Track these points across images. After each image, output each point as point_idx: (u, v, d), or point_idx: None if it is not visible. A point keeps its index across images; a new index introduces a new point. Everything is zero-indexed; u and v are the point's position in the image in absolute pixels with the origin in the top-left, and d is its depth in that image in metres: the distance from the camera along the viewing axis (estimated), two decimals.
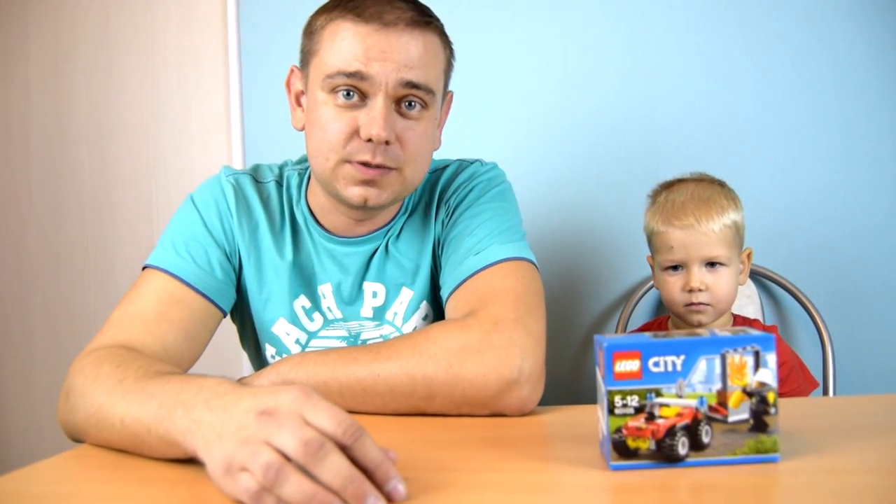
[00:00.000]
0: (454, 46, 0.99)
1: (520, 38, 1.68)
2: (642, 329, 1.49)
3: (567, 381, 1.67)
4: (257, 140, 1.81)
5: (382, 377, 0.80)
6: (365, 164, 0.90)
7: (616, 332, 1.58)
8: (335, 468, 0.51)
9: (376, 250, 1.03)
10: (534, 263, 0.95)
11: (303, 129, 0.98)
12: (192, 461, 0.60)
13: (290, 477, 0.50)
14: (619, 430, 0.58)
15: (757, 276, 1.57)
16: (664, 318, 1.43)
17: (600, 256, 1.66)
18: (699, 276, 1.24)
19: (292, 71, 1.00)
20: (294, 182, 1.05)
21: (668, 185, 1.32)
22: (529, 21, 1.68)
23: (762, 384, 0.58)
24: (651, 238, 1.31)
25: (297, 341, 1.03)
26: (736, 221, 1.25)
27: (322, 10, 0.94)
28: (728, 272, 1.25)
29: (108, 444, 0.71)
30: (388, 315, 1.03)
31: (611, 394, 0.58)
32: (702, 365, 0.57)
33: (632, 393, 0.58)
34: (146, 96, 1.90)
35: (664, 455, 0.58)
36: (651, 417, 0.57)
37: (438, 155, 1.05)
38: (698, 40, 1.62)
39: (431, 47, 0.92)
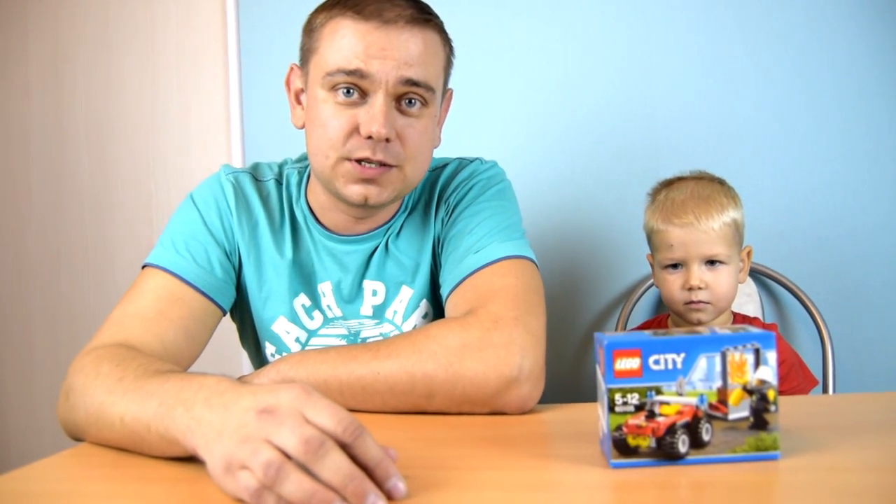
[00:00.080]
0: (454, 44, 0.99)
1: (520, 37, 1.68)
2: (642, 327, 1.49)
3: (567, 379, 1.67)
4: (257, 139, 1.81)
5: (382, 375, 0.80)
6: (365, 161, 0.90)
7: (616, 330, 1.58)
8: (335, 466, 0.51)
9: (376, 248, 1.03)
10: (534, 261, 0.95)
11: (302, 127, 0.98)
12: (192, 459, 0.60)
13: (290, 475, 0.50)
14: (619, 427, 0.58)
15: (757, 275, 1.57)
16: (664, 316, 1.43)
17: (600, 255, 1.66)
18: (699, 274, 1.24)
19: (292, 69, 1.00)
20: (294, 180, 1.05)
21: (668, 184, 1.32)
22: (529, 20, 1.68)
23: (762, 382, 0.58)
24: (651, 236, 1.31)
25: (297, 339, 1.03)
26: (735, 220, 1.25)
27: (322, 8, 0.94)
28: (728, 270, 1.25)
29: (107, 443, 0.71)
30: (388, 313, 1.03)
31: (611, 392, 0.58)
32: (702, 363, 0.57)
33: (632, 391, 0.58)
34: (146, 96, 1.90)
35: (664, 453, 0.58)
36: (651, 415, 0.57)
37: (438, 153, 1.05)
38: (698, 39, 1.62)
39: (431, 45, 0.92)
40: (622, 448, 0.58)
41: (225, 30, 1.82)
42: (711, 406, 0.58)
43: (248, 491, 0.51)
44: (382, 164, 0.91)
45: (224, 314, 1.00)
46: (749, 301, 1.52)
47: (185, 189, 1.10)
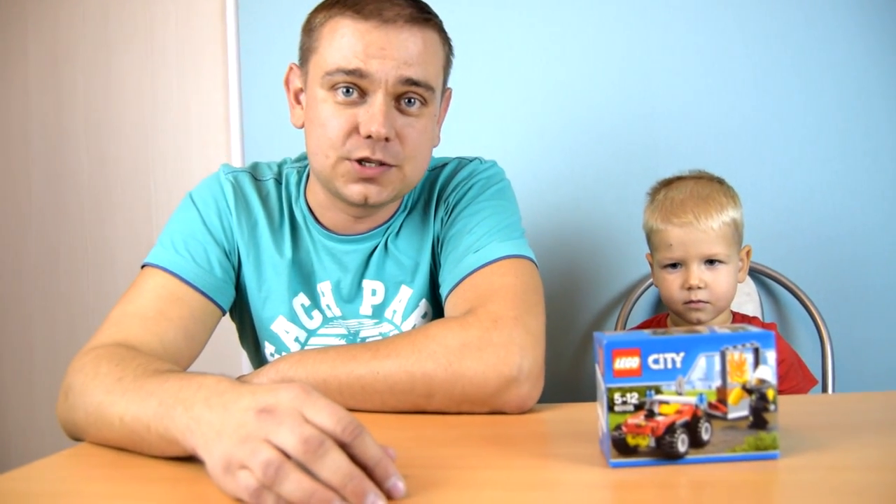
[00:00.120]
0: (453, 43, 0.99)
1: (519, 36, 1.68)
2: (641, 326, 1.49)
3: (567, 379, 1.67)
4: (256, 138, 1.81)
5: (382, 375, 0.80)
6: (365, 161, 0.90)
7: (615, 329, 1.58)
8: (335, 466, 0.51)
9: (375, 248, 1.03)
10: (533, 261, 0.95)
11: (302, 126, 0.98)
12: (191, 459, 0.60)
13: (289, 474, 0.50)
14: (618, 427, 0.58)
15: (756, 274, 1.57)
16: (663, 315, 1.43)
17: (599, 254, 1.66)
18: (698, 273, 1.24)
19: (291, 68, 1.00)
20: (293, 180, 1.05)
21: (668, 183, 1.32)
22: (528, 19, 1.68)
23: (762, 381, 0.58)
24: (650, 236, 1.31)
25: (297, 339, 1.03)
26: (735, 219, 1.25)
27: (321, 7, 0.93)
28: (727, 270, 1.25)
29: (107, 443, 0.71)
30: (388, 313, 1.03)
31: (610, 391, 0.58)
32: (701, 362, 0.57)
33: (631, 390, 0.58)
34: (145, 95, 1.90)
35: (664, 452, 0.58)
36: (651, 414, 0.57)
37: (438, 152, 1.05)
38: (698, 39, 1.62)
39: (431, 44, 0.92)
40: (621, 447, 0.58)
41: (224, 29, 1.82)
42: (711, 405, 0.58)
43: (248, 490, 0.51)
44: (382, 164, 0.91)
45: (223, 314, 1.00)
46: (748, 300, 1.52)
47: (185, 189, 1.10)
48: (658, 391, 0.57)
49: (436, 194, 1.04)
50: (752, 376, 0.58)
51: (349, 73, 0.88)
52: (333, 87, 0.90)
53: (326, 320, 1.03)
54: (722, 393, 0.58)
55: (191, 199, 1.02)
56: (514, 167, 1.22)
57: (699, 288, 1.24)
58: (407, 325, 1.03)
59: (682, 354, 0.57)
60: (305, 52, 0.95)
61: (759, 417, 0.58)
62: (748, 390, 0.58)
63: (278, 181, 1.06)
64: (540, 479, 0.58)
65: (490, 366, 0.79)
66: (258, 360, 1.10)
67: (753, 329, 0.59)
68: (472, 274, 0.92)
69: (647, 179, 1.38)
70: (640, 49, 1.64)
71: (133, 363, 0.73)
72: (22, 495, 0.60)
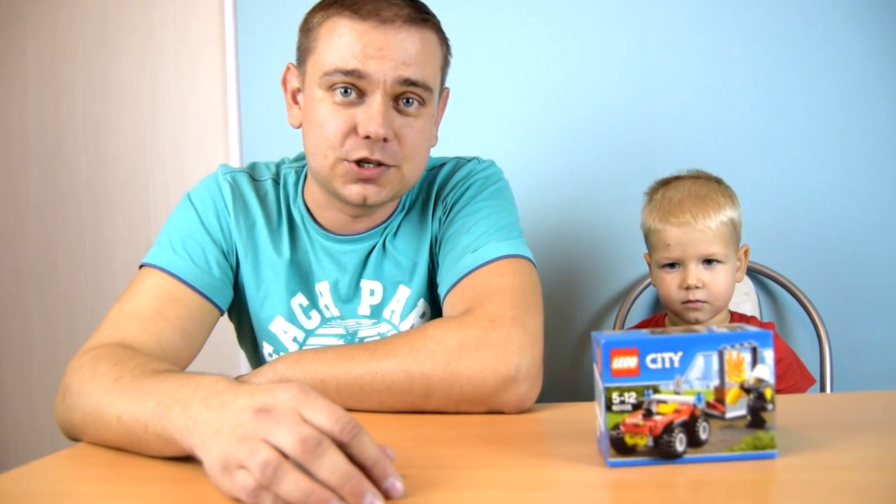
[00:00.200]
0: (451, 43, 0.99)
1: (517, 36, 1.68)
2: (639, 326, 1.49)
3: (565, 378, 1.67)
4: (255, 138, 1.80)
5: (380, 375, 0.80)
6: (364, 162, 0.90)
7: (613, 329, 1.58)
8: (332, 465, 0.51)
9: (374, 248, 1.03)
10: (531, 261, 0.95)
11: (299, 126, 0.98)
12: (189, 459, 0.60)
13: (287, 474, 0.50)
14: (616, 426, 0.58)
15: (754, 274, 1.57)
16: (661, 315, 1.43)
17: (598, 254, 1.66)
18: (696, 273, 1.24)
19: (288, 68, 1.00)
20: (291, 180, 1.05)
21: (665, 183, 1.32)
22: (527, 19, 1.68)
23: (759, 381, 0.58)
24: (648, 235, 1.32)
25: (295, 339, 1.03)
26: (733, 219, 1.25)
27: (319, 7, 0.93)
28: (725, 269, 1.25)
29: (105, 443, 0.71)
30: (386, 313, 1.03)
31: (608, 390, 0.58)
32: (699, 361, 0.57)
33: (629, 389, 0.58)
34: (144, 96, 1.90)
35: (662, 452, 0.58)
36: (649, 414, 0.57)
37: (435, 152, 1.05)
38: (697, 38, 1.62)
39: (429, 44, 0.92)
40: (619, 447, 0.58)
41: (222, 29, 1.82)
42: (709, 405, 0.58)
43: (246, 490, 0.51)
44: (380, 164, 0.91)
45: (221, 314, 1.00)
46: (746, 300, 1.52)
47: (183, 189, 1.10)
48: (656, 391, 0.57)
49: (434, 194, 1.04)
50: (749, 376, 0.58)
51: (347, 73, 0.88)
52: (331, 88, 0.90)
53: (325, 320, 1.03)
54: (720, 392, 0.58)
55: (189, 199, 1.02)
56: (513, 167, 1.22)
57: (697, 287, 1.24)
58: (405, 325, 1.03)
59: (679, 354, 0.57)
60: (303, 52, 0.95)
61: (756, 417, 0.58)
62: (746, 390, 0.58)
63: (276, 181, 1.06)
64: (538, 479, 0.58)
65: (488, 365, 0.79)
66: (256, 360, 1.10)
67: (751, 328, 0.59)
68: (470, 274, 0.92)
69: (646, 179, 1.38)
70: (638, 49, 1.64)
71: (131, 363, 0.73)
72: (21, 495, 0.60)
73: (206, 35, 1.85)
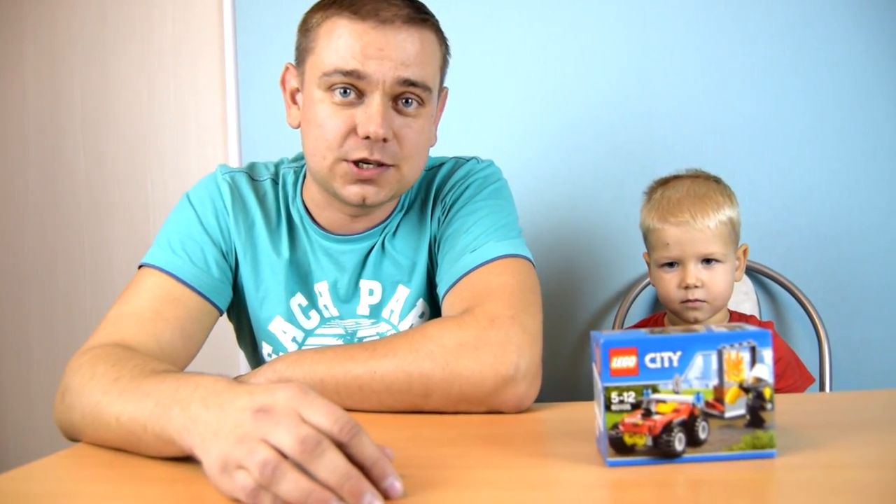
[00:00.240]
0: (450, 43, 0.99)
1: (516, 36, 1.68)
2: (639, 325, 1.49)
3: (564, 378, 1.67)
4: (253, 139, 1.80)
5: (379, 375, 0.80)
6: (363, 162, 0.90)
7: (612, 328, 1.59)
8: (332, 465, 0.51)
9: (372, 248, 1.03)
10: (530, 260, 0.95)
11: (298, 126, 0.98)
12: (188, 459, 0.60)
13: (286, 474, 0.50)
14: (615, 426, 0.58)
15: (753, 273, 1.57)
16: (660, 314, 1.43)
17: (597, 253, 1.66)
18: (695, 272, 1.24)
19: (287, 68, 1.00)
20: (290, 180, 1.05)
21: (664, 182, 1.32)
22: (526, 19, 1.68)
23: (758, 380, 0.58)
24: (647, 235, 1.32)
25: (294, 339, 1.03)
26: (732, 218, 1.25)
27: (318, 7, 0.93)
28: (724, 269, 1.25)
29: (104, 443, 0.71)
30: (385, 313, 1.03)
31: (607, 390, 0.58)
32: (698, 361, 0.57)
33: (628, 389, 0.58)
34: (142, 96, 1.90)
35: (661, 451, 0.58)
36: (648, 413, 0.57)
37: (434, 152, 1.05)
38: (695, 38, 1.62)
39: (428, 44, 0.92)
40: (619, 446, 0.58)
41: (221, 30, 1.82)
42: (708, 404, 0.58)
43: (245, 490, 0.51)
44: (380, 164, 0.90)
45: (221, 314, 1.00)
46: (745, 299, 1.53)
47: (182, 189, 1.10)
48: (655, 390, 0.57)
49: (433, 194, 1.04)
50: (748, 375, 0.58)
51: (347, 73, 0.88)
52: (331, 88, 0.90)
53: (324, 320, 1.03)
54: (719, 392, 0.58)
55: (188, 199, 1.02)
56: (512, 166, 1.22)
57: (696, 287, 1.24)
58: (404, 325, 1.03)
59: (678, 353, 0.57)
60: (302, 53, 0.95)
61: (756, 416, 0.58)
62: (745, 389, 0.58)
63: (275, 181, 1.06)
64: (537, 479, 0.58)
65: (487, 365, 0.79)
66: (256, 360, 1.10)
67: (750, 328, 0.59)
68: (469, 273, 0.92)
69: (645, 178, 1.38)
70: (637, 48, 1.64)
71: (130, 363, 0.73)
72: (20, 496, 0.60)
73: (205, 35, 1.85)
